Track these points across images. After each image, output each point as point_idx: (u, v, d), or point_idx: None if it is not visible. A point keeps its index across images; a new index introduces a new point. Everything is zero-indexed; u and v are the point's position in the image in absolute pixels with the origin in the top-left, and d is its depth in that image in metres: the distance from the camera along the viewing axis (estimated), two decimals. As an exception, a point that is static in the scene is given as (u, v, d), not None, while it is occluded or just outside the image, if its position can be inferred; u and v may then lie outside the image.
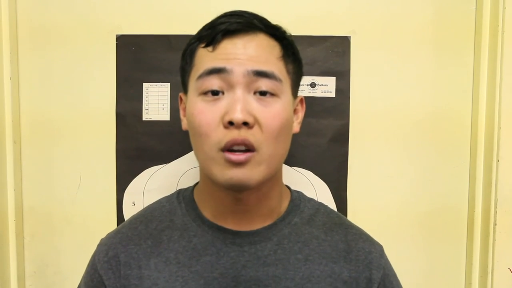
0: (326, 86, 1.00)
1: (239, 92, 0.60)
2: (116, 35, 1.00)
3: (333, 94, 1.00)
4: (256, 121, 0.60)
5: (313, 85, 1.00)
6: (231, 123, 0.59)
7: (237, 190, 0.64)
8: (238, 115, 0.58)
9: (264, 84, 0.61)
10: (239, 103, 0.59)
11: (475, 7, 1.00)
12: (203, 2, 0.99)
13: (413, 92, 1.01)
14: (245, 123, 0.59)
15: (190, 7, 1.00)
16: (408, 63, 1.01)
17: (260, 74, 0.60)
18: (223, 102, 0.60)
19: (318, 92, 1.00)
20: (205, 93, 0.61)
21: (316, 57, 0.99)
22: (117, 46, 1.00)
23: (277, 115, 0.61)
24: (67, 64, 1.01)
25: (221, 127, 0.60)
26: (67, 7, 1.00)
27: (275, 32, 0.65)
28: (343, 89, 1.00)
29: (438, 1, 1.00)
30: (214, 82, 0.61)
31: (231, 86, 0.60)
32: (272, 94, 0.62)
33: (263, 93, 0.61)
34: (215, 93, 0.61)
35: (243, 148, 0.59)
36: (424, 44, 1.01)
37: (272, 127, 0.61)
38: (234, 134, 0.59)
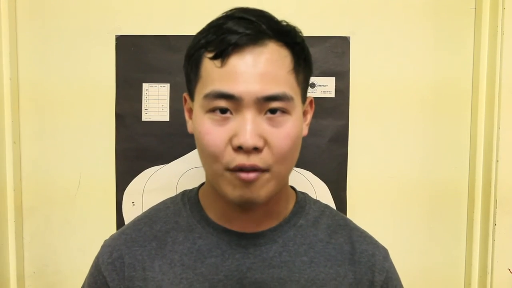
0: (325, 87, 1.00)
1: (248, 115, 0.58)
2: (116, 35, 1.00)
3: (332, 95, 1.00)
4: (266, 143, 0.58)
5: (312, 85, 1.00)
6: (240, 147, 0.57)
7: (244, 206, 0.63)
8: (247, 141, 0.56)
9: (274, 105, 0.59)
10: (249, 127, 0.57)
11: (475, 7, 1.00)
12: (202, 3, 0.99)
13: (412, 93, 1.01)
14: (255, 148, 0.57)
15: (189, 8, 1.00)
16: (408, 64, 1.01)
17: (271, 98, 0.58)
18: (232, 124, 0.58)
19: (317, 93, 1.00)
20: (213, 110, 0.59)
21: (315, 58, 0.97)
22: (117, 46, 1.00)
23: (287, 135, 0.59)
24: (67, 65, 1.01)
25: (230, 149, 0.58)
26: (67, 8, 1.00)
27: (286, 39, 0.61)
28: (342, 90, 1.00)
29: (437, 2, 1.00)
30: (221, 104, 0.58)
31: (239, 109, 0.58)
32: (283, 112, 0.59)
33: (273, 111, 0.59)
34: (223, 111, 0.59)
35: (252, 169, 0.58)
36: (424, 45, 1.01)
37: (283, 148, 0.59)
38: (243, 159, 0.57)
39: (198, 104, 0.62)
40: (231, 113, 0.59)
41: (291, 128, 0.60)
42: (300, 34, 0.65)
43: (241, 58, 0.58)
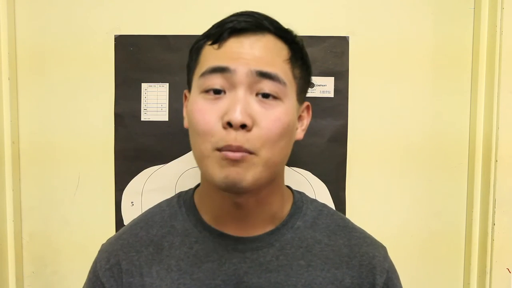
0: (324, 87, 1.00)
1: (240, 92, 0.58)
2: (115, 35, 1.00)
3: (331, 95, 1.00)
4: (256, 123, 0.58)
5: (311, 85, 1.00)
6: (229, 124, 0.57)
7: (233, 192, 0.61)
8: (237, 117, 0.57)
9: (267, 86, 0.59)
10: (240, 104, 0.58)
11: (474, 7, 1.00)
12: (201, 3, 0.99)
13: (411, 93, 1.01)
14: (244, 126, 0.57)
15: (188, 7, 1.00)
16: (406, 63, 1.01)
17: (264, 75, 0.59)
18: (224, 102, 0.59)
19: (316, 93, 1.00)
20: (207, 91, 0.60)
21: (314, 58, 0.98)
22: (116, 46, 1.00)
23: (278, 119, 0.59)
24: (66, 65, 1.01)
25: (220, 127, 0.58)
26: (65, 8, 1.00)
27: (285, 35, 0.63)
28: (341, 90, 1.00)
29: (436, 2, 1.00)
30: (216, 81, 0.59)
31: (233, 86, 0.59)
32: (275, 97, 0.60)
33: (265, 96, 0.59)
34: (217, 91, 0.59)
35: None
36: (423, 44, 1.00)
37: (272, 131, 0.59)
38: (231, 138, 0.57)
39: (194, 86, 0.63)
40: (224, 92, 0.60)
41: (282, 113, 0.60)
42: (300, 39, 0.66)
43: (238, 41, 0.60)
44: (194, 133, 0.62)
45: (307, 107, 0.70)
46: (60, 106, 1.01)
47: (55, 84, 1.01)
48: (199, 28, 0.67)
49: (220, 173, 0.58)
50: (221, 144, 0.58)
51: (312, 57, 0.69)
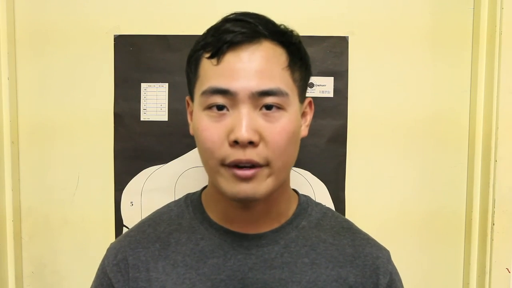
0: (324, 87, 1.00)
1: (244, 110, 0.59)
2: (114, 35, 1.00)
3: (331, 95, 1.00)
4: (262, 138, 0.59)
5: (311, 85, 1.00)
6: (236, 142, 0.58)
7: (244, 202, 0.64)
8: (243, 135, 0.57)
9: (269, 100, 0.60)
10: (244, 122, 0.58)
11: (473, 7, 1.00)
12: (201, 2, 0.99)
13: (411, 92, 1.01)
14: (251, 142, 0.58)
15: (188, 8, 1.00)
16: (406, 64, 1.01)
17: (265, 93, 0.59)
18: (228, 119, 0.60)
19: (316, 92, 1.00)
20: (210, 107, 0.61)
21: (314, 57, 0.98)
22: (115, 46, 1.00)
23: (283, 130, 0.60)
24: (65, 65, 1.01)
25: (226, 144, 0.59)
26: (65, 8, 1.00)
27: (281, 38, 0.63)
28: (341, 90, 1.00)
29: (436, 2, 1.00)
30: (218, 100, 0.60)
31: (235, 104, 0.59)
32: (278, 108, 0.61)
33: (269, 107, 0.60)
34: (220, 107, 0.60)
35: (249, 164, 0.59)
36: (422, 44, 1.01)
37: (279, 143, 0.60)
38: (239, 154, 0.58)
39: (196, 102, 0.64)
40: (227, 109, 0.60)
41: (286, 123, 0.61)
42: (297, 36, 0.66)
43: (236, 55, 0.60)
44: (201, 150, 0.63)
45: (309, 103, 0.70)
46: (60, 106, 1.01)
47: (54, 84, 1.01)
48: (199, 28, 0.67)
49: (232, 189, 0.60)
50: (229, 160, 0.59)
51: (311, 57, 0.69)
